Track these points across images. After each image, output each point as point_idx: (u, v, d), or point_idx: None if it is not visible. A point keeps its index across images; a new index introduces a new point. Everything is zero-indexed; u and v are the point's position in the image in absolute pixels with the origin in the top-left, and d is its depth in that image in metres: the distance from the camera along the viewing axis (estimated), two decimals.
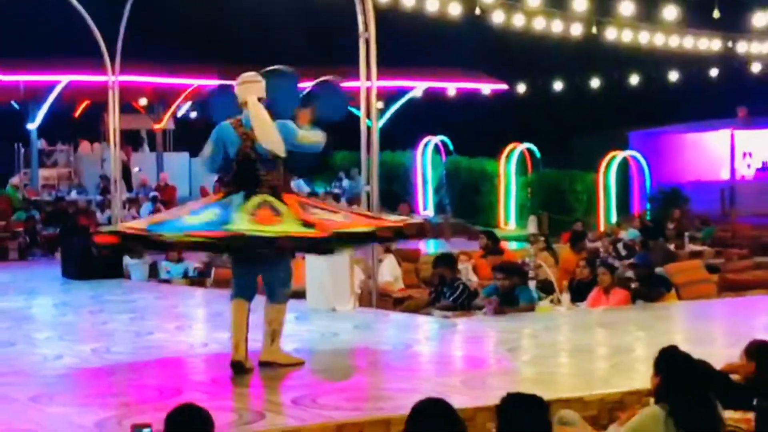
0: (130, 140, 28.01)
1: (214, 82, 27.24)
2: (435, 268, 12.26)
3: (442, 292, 11.81)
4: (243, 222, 7.77)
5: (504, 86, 30.64)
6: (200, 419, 4.53)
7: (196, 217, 7.99)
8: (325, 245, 8.12)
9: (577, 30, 21.71)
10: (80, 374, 8.24)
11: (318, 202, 9.02)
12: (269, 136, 8.05)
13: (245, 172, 8.09)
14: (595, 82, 30.49)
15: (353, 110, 26.07)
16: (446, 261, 12.13)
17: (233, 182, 8.19)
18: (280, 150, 8.06)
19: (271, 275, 8.19)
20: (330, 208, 8.82)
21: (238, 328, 8.02)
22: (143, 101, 27.70)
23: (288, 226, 7.82)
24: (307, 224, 7.87)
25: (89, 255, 16.12)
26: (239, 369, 7.86)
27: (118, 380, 7.92)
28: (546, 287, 12.81)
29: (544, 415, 4.59)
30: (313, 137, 8.30)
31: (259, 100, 8.18)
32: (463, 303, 11.64)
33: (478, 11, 19.80)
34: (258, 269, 8.22)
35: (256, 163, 8.07)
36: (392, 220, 9.02)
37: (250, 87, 8.21)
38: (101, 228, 8.80)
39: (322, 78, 8.95)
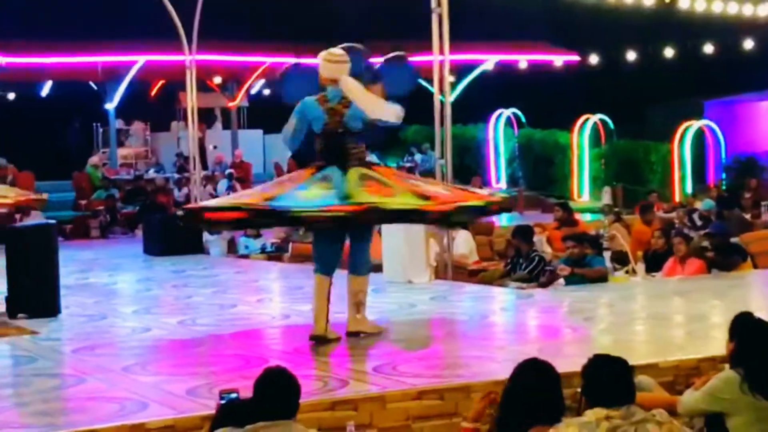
0: (205, 118, 28.37)
1: (287, 60, 27.58)
2: (512, 239, 12.42)
3: (518, 263, 11.96)
4: (362, 195, 7.93)
5: (576, 57, 30.47)
6: (288, 382, 4.72)
7: (308, 192, 8.06)
8: (452, 218, 8.33)
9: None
10: (168, 345, 8.54)
11: (407, 174, 9.19)
12: (381, 107, 8.24)
13: (333, 147, 8.26)
14: (668, 52, 30.19)
15: (425, 84, 26.16)
16: (523, 233, 12.29)
17: (321, 157, 8.35)
18: (397, 117, 8.24)
19: (356, 248, 8.40)
20: (422, 180, 9.00)
21: (319, 303, 8.25)
22: (218, 80, 28.06)
23: (406, 199, 8.01)
24: (421, 196, 8.07)
25: (170, 231, 16.54)
26: (320, 342, 8.12)
27: (205, 351, 8.20)
28: (621, 259, 12.89)
29: (628, 377, 4.71)
30: (393, 110, 8.47)
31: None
32: (539, 274, 11.78)
33: None
34: (341, 243, 8.43)
35: (345, 137, 8.25)
36: (484, 194, 9.21)
37: (341, 66, 8.38)
38: (211, 204, 8.84)
39: (391, 54, 9.08)
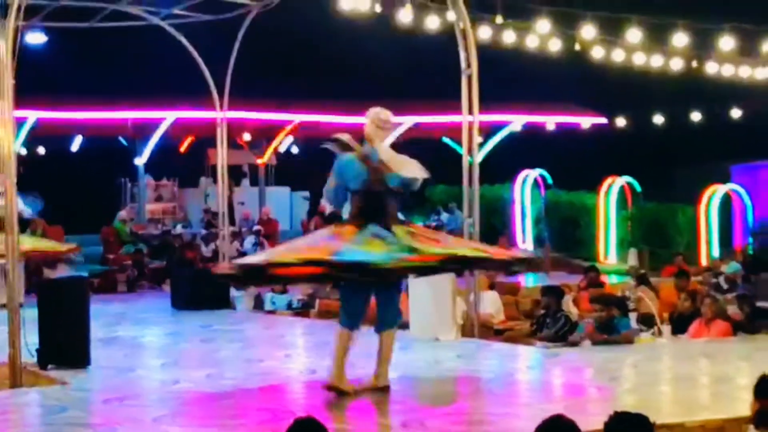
0: (233, 175, 28.65)
1: (317, 118, 27.90)
2: (543, 297, 12.49)
3: (545, 323, 12.02)
4: (427, 247, 8.05)
5: (603, 120, 30.66)
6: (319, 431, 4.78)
7: (366, 246, 8.04)
8: (511, 267, 8.58)
9: (677, 64, 21.75)
10: (197, 398, 8.62)
11: (435, 232, 9.33)
12: (414, 166, 8.39)
13: (373, 204, 8.34)
14: (695, 116, 30.33)
15: (452, 144, 26.23)
16: (554, 292, 12.39)
17: (360, 214, 8.37)
18: (420, 176, 8.39)
19: (386, 302, 8.50)
20: (452, 238, 9.17)
21: (339, 355, 8.36)
22: (247, 137, 28.35)
23: (467, 249, 8.20)
24: (476, 249, 8.36)
25: (198, 286, 16.68)
26: (338, 392, 8.23)
27: (233, 403, 8.27)
28: (646, 321, 12.91)
29: None
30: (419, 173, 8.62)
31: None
32: (565, 334, 11.83)
33: (577, 47, 19.98)
34: (367, 298, 8.52)
35: (384, 195, 8.36)
36: (509, 252, 9.36)
37: (383, 133, 8.55)
38: (275, 260, 8.41)
39: None
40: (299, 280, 8.84)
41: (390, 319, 8.50)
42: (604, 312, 11.32)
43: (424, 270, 8.05)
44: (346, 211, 8.69)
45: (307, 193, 29.68)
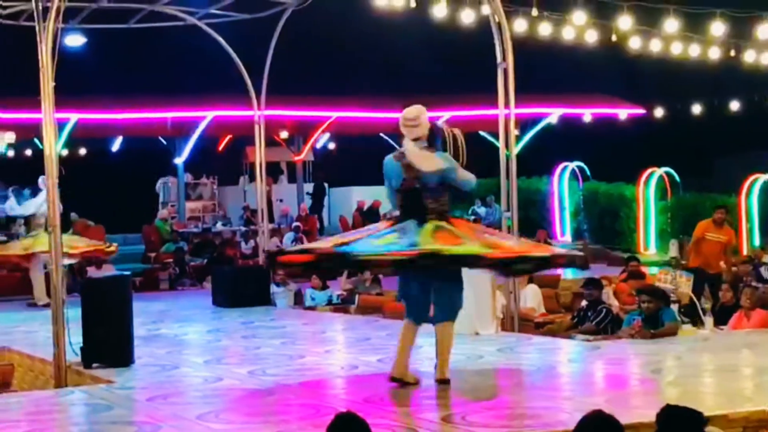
0: (271, 172, 28.79)
1: (353, 114, 27.97)
2: (585, 288, 12.46)
3: (586, 315, 12.00)
4: (429, 243, 8.12)
5: (641, 110, 30.50)
6: (360, 427, 4.83)
7: (381, 240, 8.30)
8: (513, 266, 8.43)
9: (715, 53, 21.59)
10: (240, 394, 8.68)
11: (485, 228, 9.31)
12: (428, 162, 8.44)
13: (411, 202, 8.47)
14: (734, 105, 30.10)
15: (490, 137, 26.21)
16: (595, 284, 12.38)
17: (401, 211, 8.58)
18: (430, 166, 8.42)
19: (442, 294, 8.54)
20: (496, 233, 9.12)
21: (403, 347, 8.46)
22: (284, 134, 28.46)
23: (471, 248, 8.17)
24: (489, 246, 8.22)
25: (238, 283, 16.79)
26: (401, 383, 8.34)
27: (276, 400, 8.33)
28: (688, 311, 12.85)
29: (700, 428, 4.75)
30: (468, 177, 8.67)
31: (417, 140, 8.58)
32: (606, 327, 11.80)
33: (614, 38, 19.89)
34: (427, 291, 8.57)
35: (421, 192, 8.44)
36: (552, 248, 9.34)
37: (407, 131, 8.60)
38: (285, 248, 9.08)
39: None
40: (294, 267, 9.07)
41: (445, 311, 8.54)
42: (653, 304, 11.23)
43: (398, 264, 8.16)
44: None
45: (310, 188, 29.77)
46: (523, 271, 9.09)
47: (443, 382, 8.45)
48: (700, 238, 15.56)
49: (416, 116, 8.63)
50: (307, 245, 8.73)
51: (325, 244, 8.62)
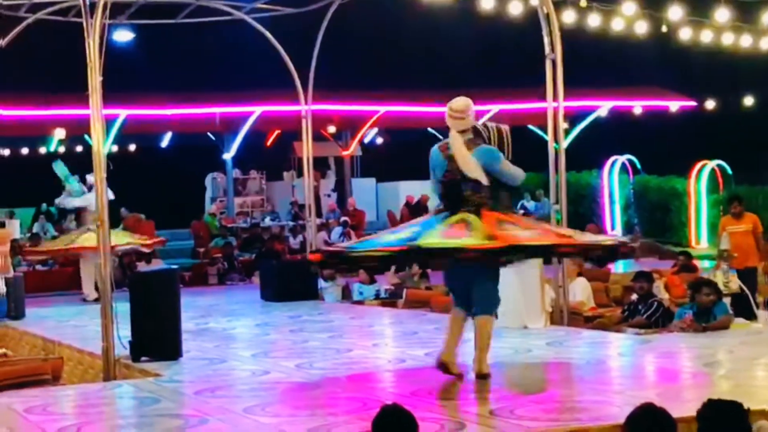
0: (319, 167, 28.82)
1: (401, 108, 27.90)
2: (635, 282, 12.32)
3: (637, 309, 11.86)
4: (431, 237, 8.11)
5: (692, 103, 30.16)
6: (407, 420, 4.77)
7: (393, 235, 8.46)
8: (499, 256, 8.32)
9: (767, 44, 21.26)
10: (287, 388, 8.66)
11: (517, 218, 9.15)
12: (467, 165, 8.40)
13: (450, 192, 8.49)
14: None
15: (538, 131, 26.04)
16: (646, 278, 12.25)
17: (443, 203, 8.60)
18: (481, 177, 8.38)
19: (479, 287, 8.48)
20: (526, 224, 8.94)
21: (451, 334, 8.47)
22: (332, 129, 28.46)
23: (471, 240, 8.09)
24: (490, 237, 8.12)
25: (286, 278, 16.82)
26: (445, 369, 8.31)
27: (323, 393, 8.31)
28: (740, 305, 12.65)
29: (744, 421, 4.66)
30: (515, 171, 8.61)
31: (463, 132, 8.52)
32: (657, 320, 11.66)
33: (664, 29, 19.64)
34: (464, 283, 8.51)
35: (461, 183, 8.42)
36: (585, 238, 9.16)
37: (452, 123, 8.55)
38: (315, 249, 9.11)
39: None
40: (314, 264, 9.12)
41: (483, 304, 8.47)
42: (713, 296, 11.06)
43: (386, 261, 8.37)
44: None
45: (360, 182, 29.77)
46: (510, 261, 8.87)
47: (481, 377, 8.36)
48: (722, 235, 15.14)
49: (463, 109, 8.58)
50: (340, 245, 8.74)
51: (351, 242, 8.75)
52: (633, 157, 28.36)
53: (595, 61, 25.48)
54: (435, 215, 8.60)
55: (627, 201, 28.18)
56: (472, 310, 8.52)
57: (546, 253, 9.39)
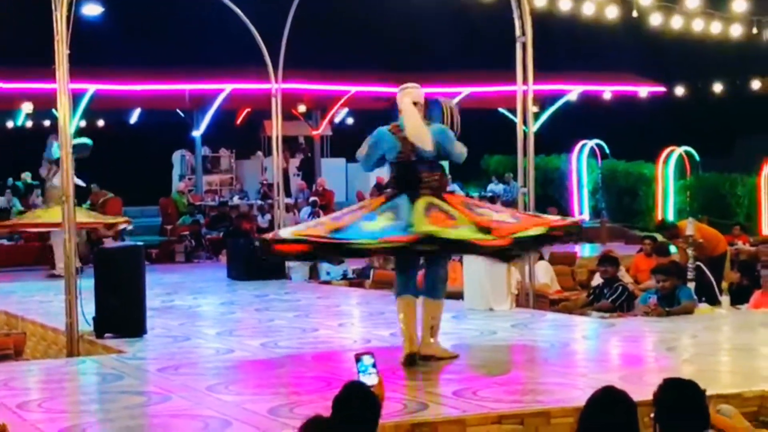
0: (288, 146, 28.70)
1: (371, 89, 27.83)
2: (601, 266, 12.36)
3: (602, 293, 11.91)
4: (423, 224, 8.03)
5: (662, 89, 30.27)
6: (368, 398, 4.75)
7: (374, 223, 8.21)
8: (509, 253, 8.34)
9: (737, 31, 21.36)
10: (251, 366, 8.66)
11: (479, 202, 9.18)
12: (422, 138, 8.36)
13: (405, 175, 8.43)
14: (756, 84, 29.84)
15: (508, 114, 26.04)
16: (612, 261, 12.27)
17: (394, 185, 8.54)
18: (428, 144, 8.34)
19: (433, 273, 8.48)
20: (493, 207, 8.98)
21: (408, 323, 8.36)
22: (302, 108, 28.35)
23: (466, 232, 8.05)
24: (482, 228, 8.10)
25: (253, 257, 16.75)
26: (413, 361, 8.25)
27: (287, 372, 8.30)
28: (704, 291, 12.73)
29: (701, 401, 4.68)
30: (462, 150, 8.61)
31: (415, 104, 8.51)
32: (622, 305, 11.71)
33: (635, 14, 19.69)
34: (417, 268, 8.52)
35: (417, 165, 8.39)
36: (555, 219, 9.18)
37: (407, 92, 8.55)
38: (281, 236, 8.67)
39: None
40: (290, 256, 9.04)
41: (439, 288, 8.51)
42: (668, 283, 11.13)
43: (398, 251, 8.14)
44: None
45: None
46: (517, 256, 8.92)
47: (426, 358, 8.36)
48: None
49: (416, 85, 8.62)
50: (302, 231, 8.47)
51: (318, 230, 8.37)
52: (602, 142, 28.45)
53: (567, 46, 25.53)
54: (390, 200, 8.41)
55: (595, 186, 28.29)
56: (425, 293, 8.47)
57: (544, 242, 9.25)
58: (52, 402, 7.35)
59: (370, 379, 4.96)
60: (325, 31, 27.90)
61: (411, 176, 8.40)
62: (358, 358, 5.08)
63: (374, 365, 5.00)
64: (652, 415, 4.81)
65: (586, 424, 4.63)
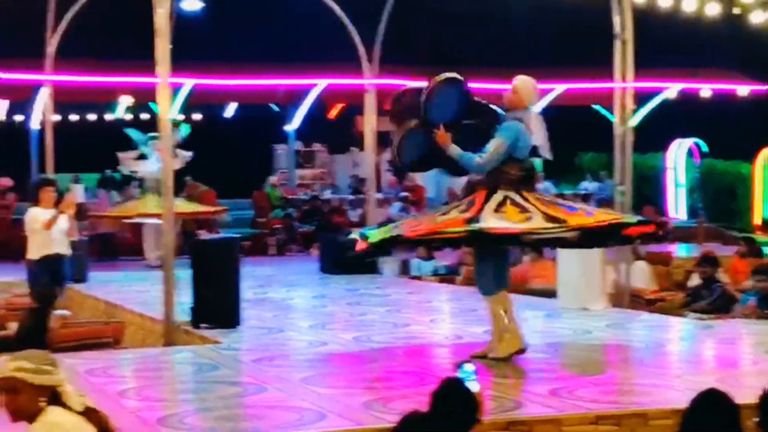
0: (381, 142, 28.73)
1: (472, 85, 27.65)
2: (699, 266, 12.16)
3: (700, 294, 11.72)
4: (489, 220, 7.97)
5: (763, 87, 29.64)
6: (468, 396, 4.72)
7: (444, 218, 8.23)
8: (569, 241, 8.21)
9: None
10: (345, 359, 8.70)
11: (558, 198, 9.09)
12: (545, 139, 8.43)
13: (530, 173, 8.41)
14: None
15: (603, 111, 25.67)
16: (711, 262, 12.06)
17: (511, 183, 8.25)
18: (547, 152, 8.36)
19: (500, 268, 8.42)
20: (569, 203, 8.90)
21: (511, 319, 8.30)
22: None
23: (534, 222, 7.98)
24: (552, 219, 8.01)
25: (345, 251, 16.82)
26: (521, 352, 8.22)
27: (380, 366, 8.32)
28: None
29: None
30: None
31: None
32: (720, 306, 11.51)
33: (736, 10, 19.32)
34: (495, 262, 8.46)
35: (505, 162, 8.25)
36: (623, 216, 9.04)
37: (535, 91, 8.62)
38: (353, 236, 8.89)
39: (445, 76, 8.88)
40: (362, 254, 9.00)
41: (501, 284, 8.40)
42: (767, 283, 10.89)
43: (447, 242, 8.28)
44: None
45: None
46: (583, 246, 8.74)
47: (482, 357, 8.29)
48: None
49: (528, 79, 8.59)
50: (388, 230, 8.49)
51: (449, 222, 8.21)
52: (699, 140, 27.97)
53: (665, 43, 25.12)
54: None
55: (692, 184, 27.82)
56: (498, 288, 8.40)
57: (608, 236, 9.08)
58: (150, 390, 7.48)
59: (471, 387, 4.92)
60: (419, 26, 27.86)
61: (531, 175, 8.43)
62: (459, 366, 5.05)
63: (475, 372, 4.96)
64: (755, 419, 4.70)
65: (688, 426, 4.55)
